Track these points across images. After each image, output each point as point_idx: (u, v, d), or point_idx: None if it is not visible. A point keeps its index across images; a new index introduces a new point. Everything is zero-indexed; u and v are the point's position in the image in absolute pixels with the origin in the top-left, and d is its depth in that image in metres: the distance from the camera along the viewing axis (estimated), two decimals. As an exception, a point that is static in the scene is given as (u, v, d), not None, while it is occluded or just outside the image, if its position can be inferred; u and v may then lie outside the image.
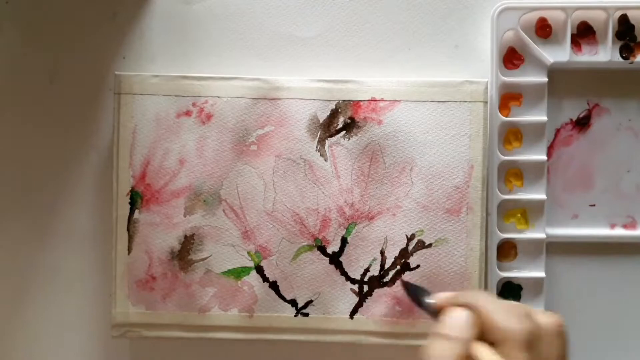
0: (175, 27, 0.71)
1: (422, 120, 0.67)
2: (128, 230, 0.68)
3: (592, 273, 0.71)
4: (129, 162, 0.68)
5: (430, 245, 0.67)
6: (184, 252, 0.68)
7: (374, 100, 0.67)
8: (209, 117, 0.68)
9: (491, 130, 0.68)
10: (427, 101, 0.67)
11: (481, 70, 0.70)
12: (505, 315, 0.50)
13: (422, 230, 0.67)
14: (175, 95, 0.68)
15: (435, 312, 0.54)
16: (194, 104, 0.68)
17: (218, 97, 0.68)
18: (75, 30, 0.71)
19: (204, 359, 0.72)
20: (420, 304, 0.57)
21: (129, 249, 0.68)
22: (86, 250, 0.72)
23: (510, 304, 0.53)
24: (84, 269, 0.72)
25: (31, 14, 0.71)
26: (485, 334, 0.50)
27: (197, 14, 0.71)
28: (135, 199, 0.68)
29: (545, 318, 0.52)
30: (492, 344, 0.50)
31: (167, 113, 0.68)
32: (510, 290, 0.69)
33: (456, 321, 0.51)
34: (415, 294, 0.58)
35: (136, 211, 0.68)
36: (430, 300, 0.56)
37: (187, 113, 0.68)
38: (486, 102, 0.67)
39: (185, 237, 0.68)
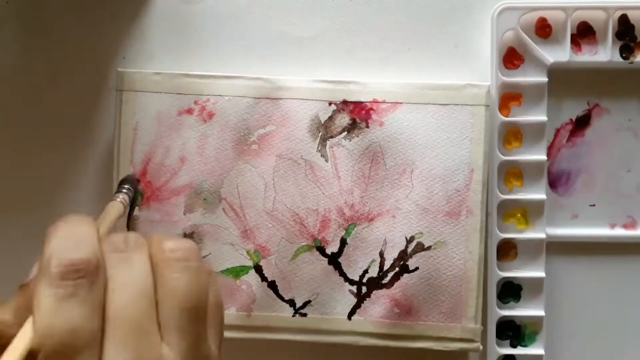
0: (175, 27, 0.71)
1: (423, 123, 0.67)
2: (128, 227, 0.68)
3: (592, 273, 0.71)
4: (130, 159, 0.68)
5: (429, 247, 0.67)
6: (184, 251, 0.68)
7: (375, 101, 0.67)
8: (210, 115, 0.68)
9: (491, 130, 0.68)
10: (429, 104, 0.67)
11: (481, 70, 0.70)
12: (64, 240, 0.38)
13: (422, 233, 0.67)
14: (177, 93, 0.68)
15: None
16: (195, 102, 0.68)
17: (220, 95, 0.68)
18: (75, 30, 0.71)
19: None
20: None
21: (129, 247, 0.68)
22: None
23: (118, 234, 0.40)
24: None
25: (31, 14, 0.71)
26: None
27: (197, 14, 0.71)
28: (136, 196, 0.68)
29: (169, 244, 0.39)
30: None
31: (168, 111, 0.68)
32: (510, 290, 0.69)
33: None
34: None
35: (136, 208, 0.68)
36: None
37: (189, 111, 0.68)
38: (488, 106, 0.67)
39: (185, 235, 0.68)
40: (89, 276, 0.35)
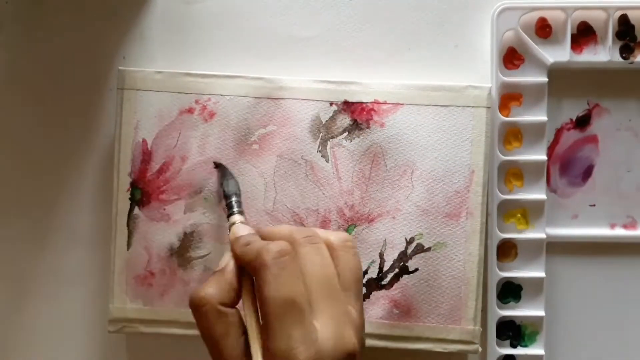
0: (175, 27, 0.71)
1: (424, 124, 0.67)
2: (128, 226, 0.68)
3: (592, 273, 0.71)
4: (131, 158, 0.68)
5: (429, 249, 0.67)
6: (183, 249, 0.68)
7: (377, 102, 0.67)
8: (211, 115, 0.67)
9: (491, 131, 0.68)
10: (430, 105, 0.67)
11: (481, 71, 0.70)
12: (264, 243, 0.51)
13: (422, 234, 0.67)
14: (178, 92, 0.67)
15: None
16: (196, 101, 0.67)
17: (221, 95, 0.67)
18: (75, 30, 0.71)
19: (200, 356, 0.71)
20: (224, 191, 0.64)
21: (128, 245, 0.68)
22: (85, 246, 0.71)
23: (294, 229, 0.55)
24: (83, 265, 0.72)
25: (31, 14, 0.71)
26: (250, 270, 0.52)
27: (197, 14, 0.71)
28: (136, 195, 0.68)
29: (331, 235, 0.54)
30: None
31: (169, 110, 0.68)
32: (510, 290, 0.69)
33: (221, 261, 0.54)
34: (225, 184, 0.64)
35: (136, 207, 0.68)
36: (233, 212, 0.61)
37: (190, 110, 0.68)
38: (489, 108, 0.67)
39: (185, 234, 0.68)
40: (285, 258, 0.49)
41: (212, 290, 0.50)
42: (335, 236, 0.53)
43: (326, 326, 0.47)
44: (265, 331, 0.48)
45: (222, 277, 0.52)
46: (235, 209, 0.61)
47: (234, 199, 0.62)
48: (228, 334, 0.50)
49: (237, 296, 0.52)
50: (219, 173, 0.67)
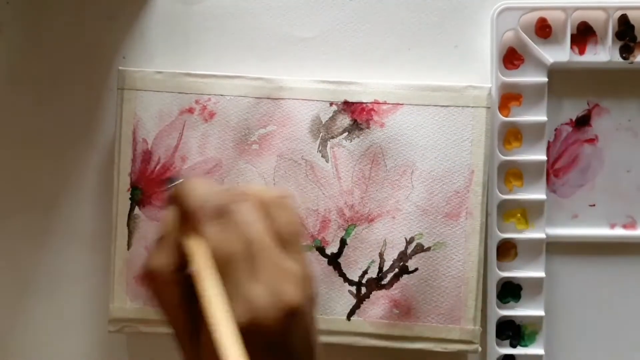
0: (175, 27, 0.71)
1: (424, 124, 0.67)
2: (128, 226, 0.68)
3: (592, 273, 0.71)
4: (131, 158, 0.68)
5: (429, 248, 0.67)
6: (184, 250, 0.68)
7: (377, 102, 0.67)
8: (211, 115, 0.67)
9: (491, 131, 0.68)
10: (430, 105, 0.67)
11: (481, 71, 0.70)
12: (197, 192, 0.47)
13: (421, 234, 0.67)
14: (179, 92, 0.68)
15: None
16: (197, 102, 0.68)
17: (221, 95, 0.68)
18: (76, 30, 0.71)
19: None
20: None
21: (129, 245, 0.68)
22: (86, 246, 0.72)
23: (224, 187, 0.53)
24: (84, 265, 0.72)
25: (31, 14, 0.71)
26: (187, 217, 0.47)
27: (197, 14, 0.71)
28: (136, 195, 0.68)
29: (268, 193, 0.49)
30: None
31: (169, 110, 0.68)
32: (509, 290, 0.70)
33: (164, 220, 0.49)
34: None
35: (136, 207, 0.68)
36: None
37: (190, 110, 0.68)
38: (489, 108, 0.67)
39: (185, 235, 0.68)
40: (228, 214, 0.46)
41: (162, 259, 0.47)
42: (266, 193, 0.49)
43: (262, 285, 0.44)
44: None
45: (166, 243, 0.48)
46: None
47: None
48: (184, 296, 0.47)
49: (182, 259, 0.47)
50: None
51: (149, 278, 0.47)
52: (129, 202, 0.68)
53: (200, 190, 0.47)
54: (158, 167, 0.68)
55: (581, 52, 0.70)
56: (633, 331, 0.71)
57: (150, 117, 0.68)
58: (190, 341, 0.48)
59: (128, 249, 0.68)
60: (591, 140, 0.71)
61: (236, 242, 0.45)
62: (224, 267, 0.44)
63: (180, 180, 0.51)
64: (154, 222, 0.68)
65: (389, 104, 0.67)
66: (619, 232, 0.71)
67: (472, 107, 0.67)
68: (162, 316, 0.48)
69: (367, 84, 0.68)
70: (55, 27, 0.71)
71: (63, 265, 0.72)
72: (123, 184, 0.68)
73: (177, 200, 0.48)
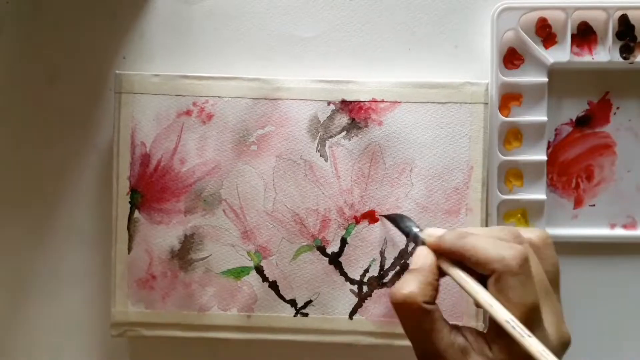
0: (175, 27, 0.71)
1: (422, 122, 0.67)
2: (128, 229, 0.68)
3: (592, 273, 0.71)
4: (129, 162, 0.68)
5: (429, 246, 0.67)
6: (184, 252, 0.68)
7: (374, 101, 0.67)
8: (209, 116, 0.68)
9: (491, 131, 0.68)
10: (428, 102, 0.67)
11: (481, 71, 0.70)
12: (492, 244, 0.50)
13: (422, 231, 0.67)
14: (176, 95, 0.68)
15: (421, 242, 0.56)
16: (194, 104, 0.68)
17: (219, 97, 0.68)
18: (75, 30, 0.71)
19: (203, 359, 0.72)
20: (403, 230, 0.61)
21: (129, 248, 0.68)
22: (86, 250, 0.72)
23: (496, 228, 0.54)
24: (84, 268, 0.72)
25: (31, 14, 0.71)
26: (477, 267, 0.51)
27: (197, 14, 0.71)
28: (136, 198, 0.68)
29: (530, 234, 0.54)
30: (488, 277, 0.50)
31: (167, 112, 0.68)
32: (510, 290, 0.70)
33: (416, 258, 0.54)
34: (397, 221, 0.63)
35: (136, 210, 0.68)
36: (418, 232, 0.58)
37: (188, 112, 0.68)
38: (487, 104, 0.67)
39: (186, 236, 0.68)
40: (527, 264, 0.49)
41: (414, 288, 0.51)
42: (534, 234, 0.54)
43: (550, 323, 0.50)
44: (499, 334, 0.49)
45: (421, 276, 0.52)
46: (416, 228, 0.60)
47: (415, 230, 0.59)
48: (434, 329, 0.50)
49: (437, 292, 0.52)
50: (390, 224, 0.67)
51: (399, 304, 0.51)
52: (129, 205, 0.68)
53: (486, 241, 0.50)
54: (157, 170, 0.68)
55: (581, 52, 0.69)
56: (633, 331, 0.71)
57: (148, 120, 0.68)
58: None
59: (129, 252, 0.68)
60: (592, 140, 0.71)
61: (533, 294, 0.49)
62: (534, 311, 0.49)
63: (429, 238, 0.55)
64: (155, 225, 0.68)
65: (386, 102, 0.67)
66: (619, 232, 0.71)
67: (470, 103, 0.67)
68: (410, 340, 0.52)
69: (364, 82, 0.68)
70: (55, 27, 0.71)
71: (63, 268, 0.72)
72: (122, 187, 0.68)
73: (463, 256, 0.51)
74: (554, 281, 0.53)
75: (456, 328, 0.52)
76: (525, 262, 0.49)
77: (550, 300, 0.51)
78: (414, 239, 0.58)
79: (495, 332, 0.49)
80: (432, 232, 0.55)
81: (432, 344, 0.50)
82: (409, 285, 0.51)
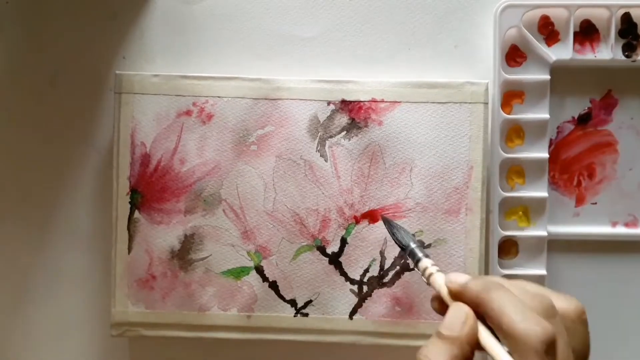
0: (175, 27, 0.71)
1: (422, 122, 0.67)
2: (128, 229, 0.68)
3: (594, 271, 0.71)
4: (129, 162, 0.68)
5: (429, 245, 0.67)
6: (184, 252, 0.68)
7: (374, 101, 0.67)
8: (209, 117, 0.68)
9: (493, 128, 0.68)
10: (428, 102, 0.67)
11: (481, 71, 0.70)
12: (521, 314, 0.44)
13: (422, 231, 0.67)
14: (176, 95, 0.68)
15: (415, 261, 0.52)
16: (194, 104, 0.68)
17: (219, 97, 0.68)
18: (75, 30, 0.71)
19: (203, 359, 0.72)
20: (399, 241, 0.55)
21: (129, 248, 0.68)
22: (86, 250, 0.72)
23: (530, 291, 0.48)
24: (84, 269, 0.72)
25: (31, 14, 0.71)
26: (498, 331, 0.45)
27: (197, 14, 0.71)
28: (136, 198, 0.68)
29: (565, 304, 0.48)
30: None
31: (167, 112, 0.68)
32: (511, 288, 0.70)
33: (453, 320, 0.46)
34: (395, 230, 0.56)
35: (136, 210, 0.68)
36: (415, 249, 0.52)
37: (188, 113, 0.68)
38: (486, 104, 0.67)
39: (186, 236, 0.68)
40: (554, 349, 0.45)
41: None
42: (570, 306, 0.49)
43: None
44: None
45: (455, 348, 0.45)
46: (421, 255, 0.52)
47: (412, 245, 0.53)
48: None
49: None
50: (387, 227, 0.59)
51: None
52: (129, 205, 0.68)
53: (515, 309, 0.44)
54: (157, 171, 0.68)
55: (584, 50, 0.69)
56: (635, 328, 0.71)
57: (148, 120, 0.68)
58: None
59: (129, 252, 0.68)
60: (593, 138, 0.71)
61: None
62: None
63: (451, 283, 0.49)
64: (155, 225, 0.68)
65: (386, 102, 0.67)
66: (621, 230, 0.71)
67: (470, 103, 0.67)
68: None
69: (364, 82, 0.68)
70: (55, 27, 0.71)
71: (64, 269, 0.72)
72: (122, 187, 0.68)
73: (484, 311, 0.45)
74: (581, 358, 0.50)
75: None
76: (551, 345, 0.43)
77: None
78: (411, 256, 0.53)
79: None
80: (454, 279, 0.48)
81: None
82: (437, 355, 0.45)
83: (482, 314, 0.46)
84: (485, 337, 0.45)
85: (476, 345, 0.46)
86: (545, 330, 0.43)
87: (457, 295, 0.47)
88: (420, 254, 0.52)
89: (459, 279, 0.48)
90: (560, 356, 0.45)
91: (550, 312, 0.46)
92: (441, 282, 0.49)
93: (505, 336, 0.44)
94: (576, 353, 0.48)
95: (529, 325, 0.43)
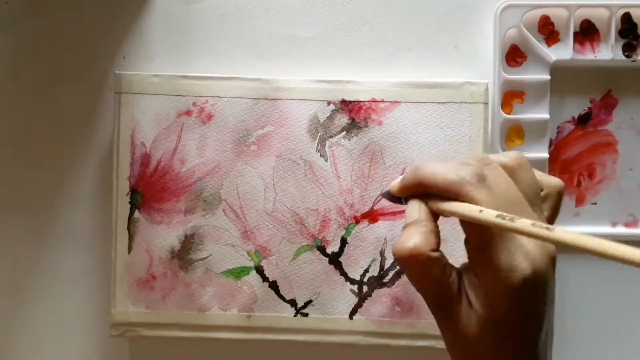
0: (175, 27, 0.71)
1: (422, 122, 0.67)
2: (128, 229, 0.68)
3: (594, 271, 0.71)
4: (129, 162, 0.68)
5: (429, 245, 0.67)
6: (184, 252, 0.68)
7: (374, 101, 0.67)
8: (209, 117, 0.68)
9: (493, 128, 0.68)
10: (428, 102, 0.67)
11: (481, 71, 0.70)
12: (447, 168, 0.49)
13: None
14: (176, 95, 0.68)
15: (400, 199, 0.55)
16: (194, 104, 0.68)
17: (219, 97, 0.68)
18: (76, 31, 0.71)
19: (203, 359, 0.72)
20: (389, 198, 0.57)
21: (129, 249, 0.68)
22: (86, 250, 0.72)
23: (465, 156, 0.53)
24: (84, 269, 0.72)
25: (31, 14, 0.71)
26: (440, 193, 0.50)
27: (197, 14, 0.71)
28: (136, 199, 0.68)
29: (504, 157, 0.52)
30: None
31: (167, 112, 0.68)
32: (511, 288, 0.69)
33: (410, 210, 0.52)
34: (387, 197, 0.58)
35: (136, 210, 0.68)
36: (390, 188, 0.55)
37: (188, 113, 0.68)
38: (486, 104, 0.67)
39: (186, 236, 0.68)
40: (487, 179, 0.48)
41: (418, 240, 0.50)
42: (507, 157, 0.52)
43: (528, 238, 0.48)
44: (482, 250, 0.49)
45: (421, 226, 0.51)
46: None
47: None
48: (444, 274, 0.50)
49: (439, 239, 0.51)
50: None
51: (406, 257, 0.49)
52: (129, 205, 0.68)
53: (444, 167, 0.50)
54: (157, 171, 0.68)
55: (584, 50, 0.69)
56: (635, 329, 0.71)
57: (148, 120, 0.68)
58: (444, 312, 0.50)
59: (129, 252, 0.68)
60: (593, 138, 0.71)
61: (503, 203, 0.47)
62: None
63: (393, 187, 0.54)
64: (155, 225, 0.68)
65: (386, 102, 0.67)
66: (621, 230, 0.71)
67: (470, 103, 0.67)
68: (419, 292, 0.52)
69: (364, 82, 0.68)
70: (55, 27, 0.71)
71: (63, 269, 0.72)
72: (122, 187, 0.68)
73: (422, 184, 0.51)
74: (533, 200, 0.51)
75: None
76: (481, 176, 0.48)
77: (526, 215, 0.48)
78: (393, 199, 0.57)
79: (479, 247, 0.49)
80: (392, 183, 0.55)
81: (444, 290, 0.50)
82: (412, 238, 0.50)
83: (426, 190, 0.51)
84: (444, 204, 0.50)
85: (435, 219, 0.52)
86: (472, 167, 0.48)
87: (402, 191, 0.53)
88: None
89: (396, 180, 0.54)
90: (502, 188, 0.49)
91: (484, 161, 0.50)
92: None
93: (445, 192, 0.49)
94: (526, 194, 0.50)
95: (460, 171, 0.48)
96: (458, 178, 0.48)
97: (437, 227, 0.52)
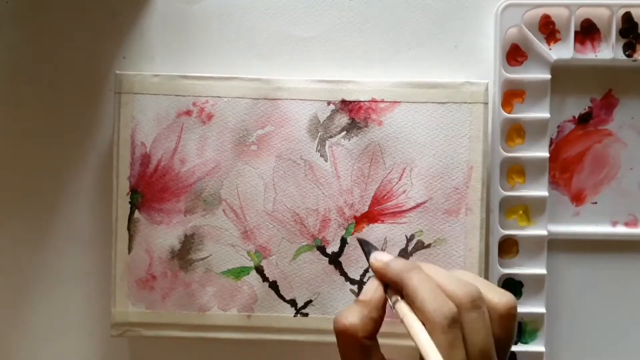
0: (175, 27, 0.71)
1: (422, 122, 0.67)
2: (128, 229, 0.68)
3: (594, 270, 0.71)
4: (129, 162, 0.68)
5: (429, 245, 0.67)
6: (184, 252, 0.68)
7: (374, 101, 0.67)
8: (209, 117, 0.68)
9: (493, 127, 0.68)
10: (427, 102, 0.67)
11: (481, 71, 0.70)
12: (434, 295, 0.51)
13: (422, 231, 0.67)
14: (176, 95, 0.68)
15: (367, 253, 0.60)
16: (194, 104, 0.68)
17: (219, 97, 0.68)
18: (76, 30, 0.71)
19: (203, 359, 0.72)
20: (363, 246, 0.63)
21: (129, 249, 0.68)
22: (86, 250, 0.72)
23: (461, 279, 0.54)
24: (84, 269, 0.72)
25: (31, 14, 0.71)
26: (411, 306, 0.53)
27: (197, 14, 0.71)
28: (136, 199, 0.68)
29: (497, 298, 0.54)
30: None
31: (167, 112, 0.68)
32: (511, 287, 0.69)
33: (367, 289, 0.56)
34: (365, 248, 0.63)
35: (136, 210, 0.68)
36: (370, 257, 0.59)
37: (188, 113, 0.68)
38: (486, 104, 0.67)
39: (186, 236, 0.68)
40: (457, 325, 0.50)
41: (356, 321, 0.53)
42: (499, 297, 0.54)
43: None
44: None
45: (366, 310, 0.54)
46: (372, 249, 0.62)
47: (372, 250, 0.62)
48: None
49: (378, 328, 0.55)
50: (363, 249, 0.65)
51: (339, 332, 0.54)
52: (129, 205, 0.68)
53: (433, 294, 0.51)
54: (157, 171, 0.68)
55: (584, 50, 0.69)
56: (635, 329, 0.71)
57: (148, 120, 0.68)
58: None
59: (129, 252, 0.68)
60: (594, 138, 0.71)
61: (466, 350, 0.50)
62: None
63: (375, 260, 0.58)
64: (155, 225, 0.68)
65: (386, 102, 0.67)
66: (621, 229, 0.71)
67: (470, 103, 0.67)
68: None
69: (364, 82, 0.68)
70: (55, 27, 0.71)
71: (63, 268, 0.72)
72: (122, 187, 0.68)
73: (409, 301, 0.53)
74: (503, 354, 0.53)
75: None
76: (454, 322, 0.50)
77: None
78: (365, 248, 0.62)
79: None
80: (379, 257, 0.57)
81: None
82: (352, 317, 0.53)
83: (401, 291, 0.54)
84: (405, 311, 0.53)
85: (383, 309, 0.55)
86: (450, 309, 0.50)
87: (380, 272, 0.56)
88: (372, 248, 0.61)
89: (384, 258, 0.57)
90: (473, 337, 0.51)
91: (475, 303, 0.52)
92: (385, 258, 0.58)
93: (417, 311, 0.51)
94: (499, 343, 0.52)
95: (437, 305, 0.50)
96: (434, 312, 0.50)
97: (381, 315, 0.55)
